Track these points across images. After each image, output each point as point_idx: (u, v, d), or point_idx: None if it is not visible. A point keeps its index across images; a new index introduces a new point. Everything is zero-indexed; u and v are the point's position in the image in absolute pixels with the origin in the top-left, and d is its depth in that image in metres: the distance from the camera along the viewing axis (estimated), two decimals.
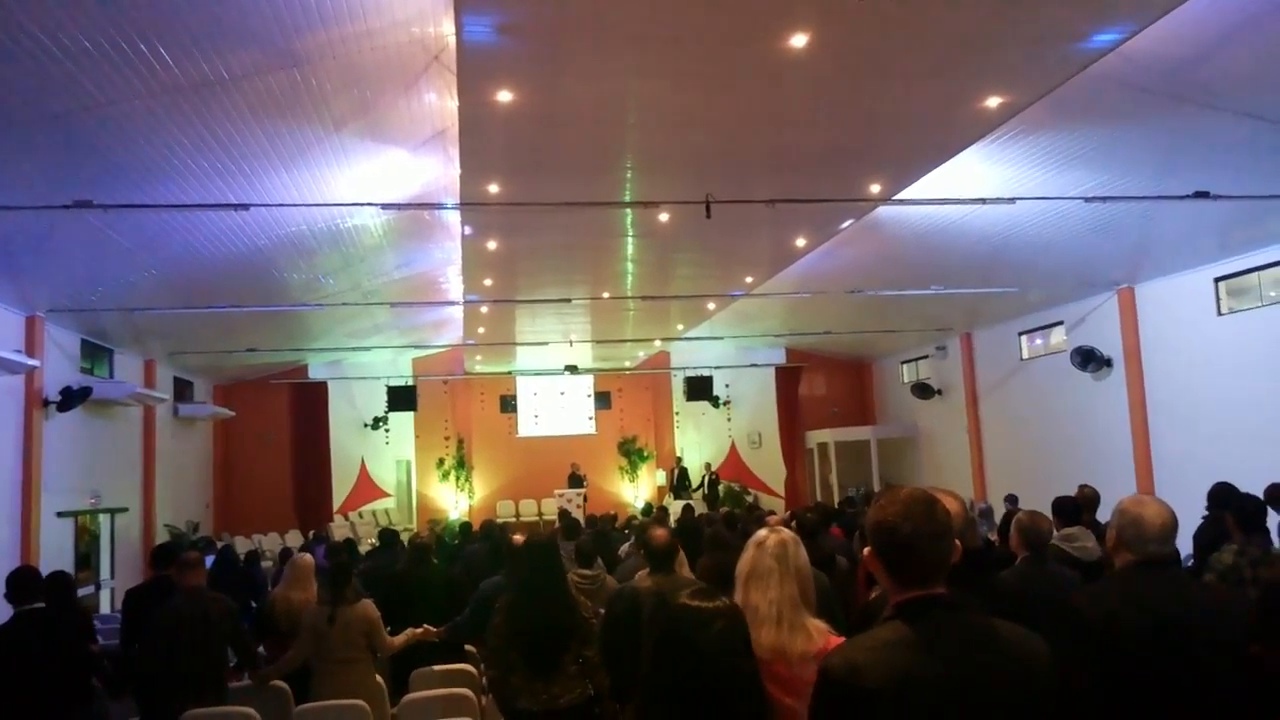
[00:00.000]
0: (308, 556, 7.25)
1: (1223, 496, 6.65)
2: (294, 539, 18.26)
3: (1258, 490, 7.37)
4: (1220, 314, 12.47)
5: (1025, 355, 17.13)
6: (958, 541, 2.10)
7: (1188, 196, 9.13)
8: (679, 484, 21.48)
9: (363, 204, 10.16)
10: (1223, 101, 8.33)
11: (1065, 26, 6.73)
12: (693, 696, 1.87)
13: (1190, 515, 7.20)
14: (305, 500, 20.60)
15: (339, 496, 20.61)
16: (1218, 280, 12.46)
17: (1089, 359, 14.46)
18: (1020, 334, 17.11)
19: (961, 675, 1.93)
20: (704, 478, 21.33)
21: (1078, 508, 6.43)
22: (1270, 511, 7.40)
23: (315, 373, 20.82)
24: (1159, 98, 8.32)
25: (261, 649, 6.48)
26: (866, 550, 2.14)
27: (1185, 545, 7.75)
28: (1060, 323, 15.82)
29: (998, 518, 12.56)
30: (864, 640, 2.06)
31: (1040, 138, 9.25)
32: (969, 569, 5.56)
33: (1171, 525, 2.94)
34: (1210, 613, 2.77)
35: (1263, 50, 7.53)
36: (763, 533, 3.24)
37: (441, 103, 9.01)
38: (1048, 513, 6.23)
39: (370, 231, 12.01)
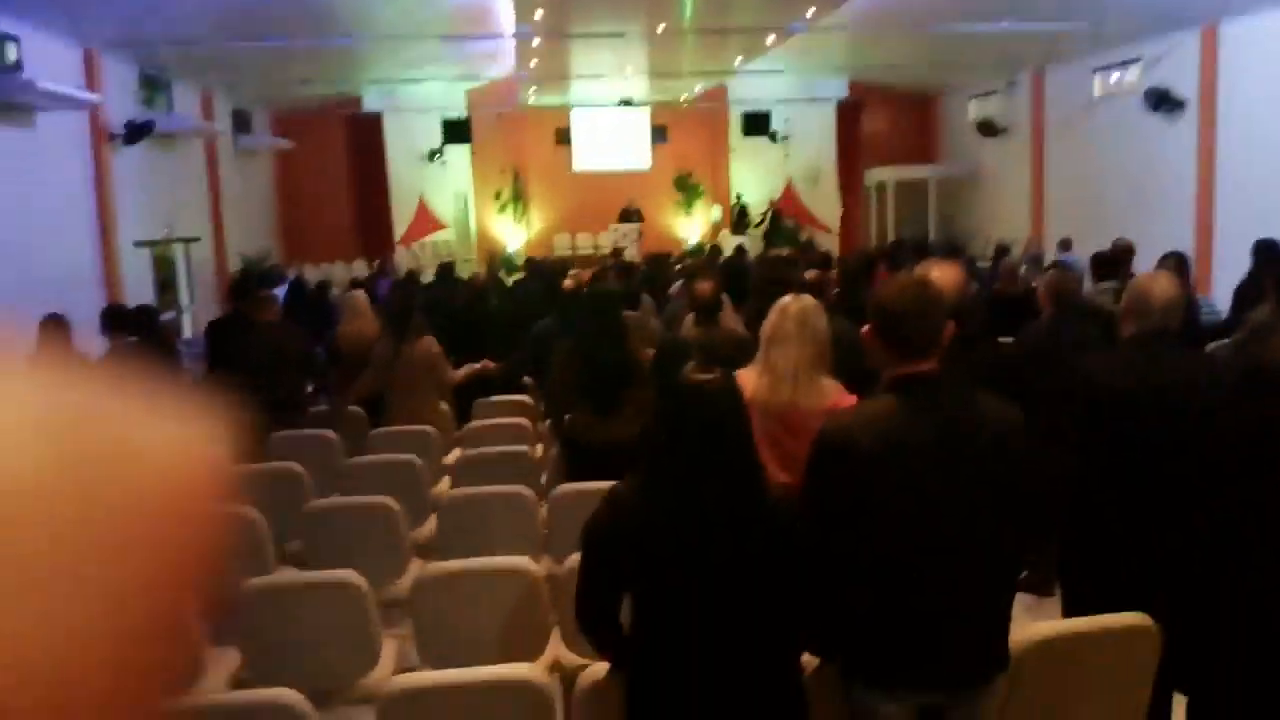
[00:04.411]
0: (359, 293, 7.68)
1: (1265, 253, 6.67)
2: (360, 269, 18.93)
3: None
4: None
5: (1098, 94, 16.44)
6: (950, 321, 2.34)
7: None
8: (738, 220, 21.53)
9: None
10: None
11: None
12: (700, 462, 2.18)
13: (1246, 266, 7.27)
14: (367, 230, 21.12)
15: (400, 228, 21.08)
16: None
17: (1162, 100, 13.88)
18: (1095, 70, 16.34)
19: (939, 441, 2.22)
20: (765, 214, 21.32)
21: (1115, 261, 6.54)
22: None
23: (370, 104, 20.71)
24: None
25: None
26: (866, 328, 2.39)
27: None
28: (1138, 60, 15.06)
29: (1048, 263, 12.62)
30: (858, 410, 2.36)
31: None
32: (1004, 315, 5.80)
33: (1176, 302, 3.14)
34: (1198, 381, 3.00)
35: None
36: (786, 299, 3.50)
37: None
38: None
39: None
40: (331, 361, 7.30)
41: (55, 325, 6.44)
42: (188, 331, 14.18)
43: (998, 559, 2.27)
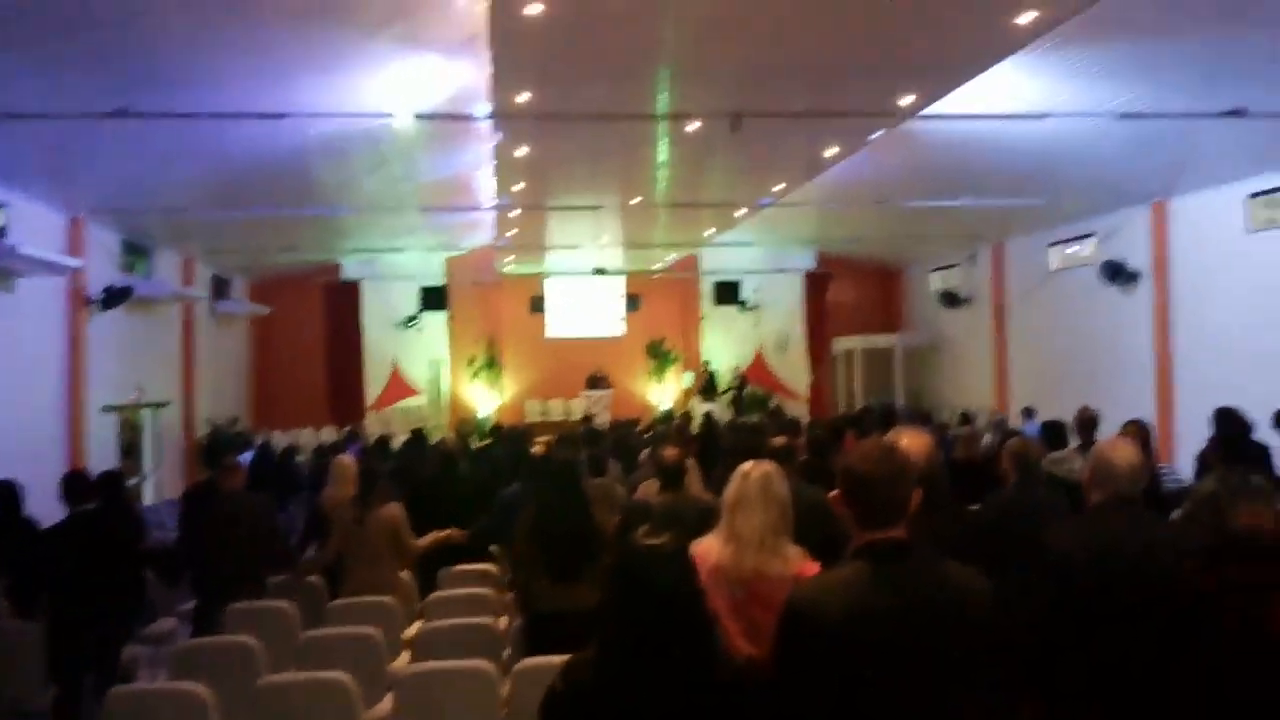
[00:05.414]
0: (348, 457, 7.60)
1: (1223, 421, 6.79)
2: (329, 434, 18.81)
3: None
4: (1251, 230, 12.35)
5: (1055, 266, 17.04)
6: (918, 489, 2.32)
7: (1222, 114, 9.01)
8: (706, 388, 21.71)
9: (392, 115, 10.29)
10: (1263, 17, 8.17)
11: None
12: (650, 630, 2.12)
13: (1206, 433, 7.36)
14: (339, 396, 21.10)
15: (372, 394, 21.10)
16: (1251, 196, 12.30)
17: (1117, 273, 14.40)
18: (1051, 245, 16.99)
19: (907, 611, 2.17)
20: (732, 383, 21.54)
21: (1064, 432, 6.66)
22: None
23: (349, 271, 21.09)
24: (1197, 13, 8.18)
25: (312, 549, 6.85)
26: (834, 493, 2.37)
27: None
28: (1092, 235, 15.70)
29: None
30: (827, 578, 2.31)
31: (1075, 51, 9.11)
32: (963, 483, 5.79)
33: (1139, 469, 3.16)
34: (1165, 549, 2.98)
35: None
36: (747, 465, 3.50)
37: (472, 6, 9.02)
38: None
39: (403, 134, 12.10)
40: (311, 533, 7.15)
41: (4, 492, 6.29)
42: (149, 498, 13.91)
43: None
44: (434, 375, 22.33)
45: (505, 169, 13.09)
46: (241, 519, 5.92)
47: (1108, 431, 7.35)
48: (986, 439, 10.25)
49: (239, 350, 20.20)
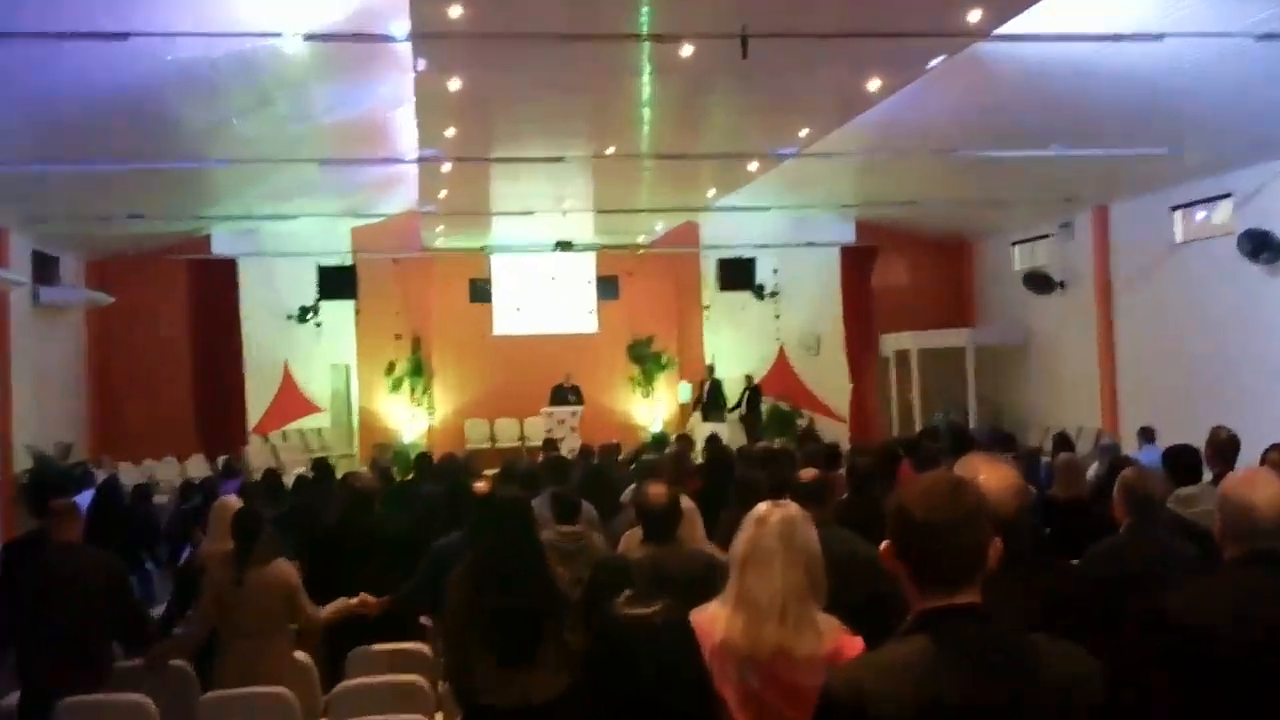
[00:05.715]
0: (232, 498, 7.61)
1: None
2: (197, 467, 18.75)
3: None
4: None
5: (1180, 238, 17.17)
6: (997, 538, 2.34)
7: None
8: (710, 402, 21.53)
9: (277, 34, 10.28)
10: None
11: None
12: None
13: None
14: (211, 416, 20.97)
15: (255, 412, 21.01)
16: None
17: (1262, 245, 14.53)
18: (1174, 209, 17.12)
19: (988, 706, 2.18)
20: (743, 394, 21.52)
21: (1196, 460, 6.70)
22: None
23: (221, 246, 20.97)
24: None
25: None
26: (884, 545, 2.39)
27: None
28: (1228, 195, 15.83)
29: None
30: (876, 658, 2.32)
31: None
32: (1067, 528, 5.83)
33: None
34: None
35: None
36: (764, 506, 3.52)
37: None
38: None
39: (292, 60, 12.07)
40: (183, 599, 7.13)
41: None
42: None
43: None
44: (339, 386, 22.31)
45: (431, 108, 13.11)
46: (79, 581, 5.90)
47: (1251, 460, 7.44)
48: (1092, 470, 10.32)
49: (72, 353, 20.10)
